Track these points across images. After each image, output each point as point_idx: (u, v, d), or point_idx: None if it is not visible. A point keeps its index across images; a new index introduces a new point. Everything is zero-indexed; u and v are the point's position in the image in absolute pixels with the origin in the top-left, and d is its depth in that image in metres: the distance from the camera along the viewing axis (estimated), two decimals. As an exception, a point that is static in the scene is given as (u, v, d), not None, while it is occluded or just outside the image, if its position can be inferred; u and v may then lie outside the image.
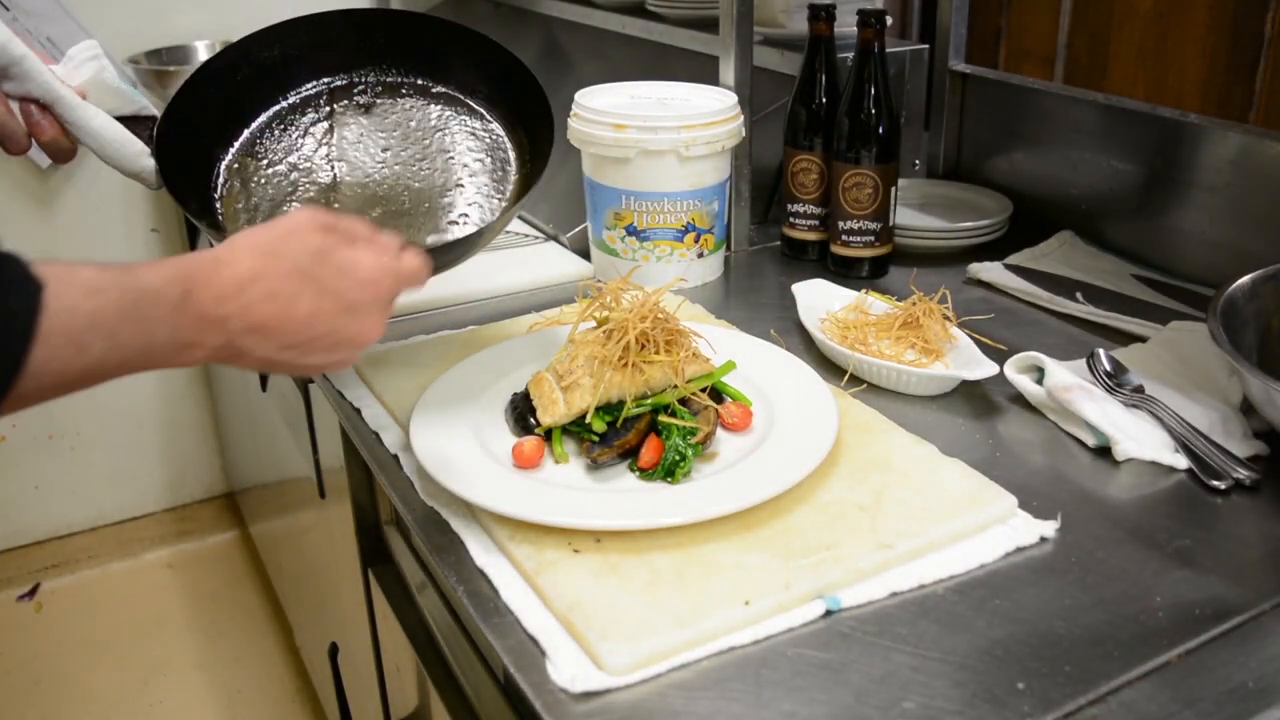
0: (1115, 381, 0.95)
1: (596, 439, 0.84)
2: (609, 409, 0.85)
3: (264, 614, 2.20)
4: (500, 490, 0.79)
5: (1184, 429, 0.88)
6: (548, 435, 0.87)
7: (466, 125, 1.10)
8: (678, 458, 0.82)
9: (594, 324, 0.91)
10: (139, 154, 0.95)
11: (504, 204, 1.06)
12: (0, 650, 2.12)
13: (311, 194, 1.04)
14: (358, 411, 0.98)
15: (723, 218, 1.26)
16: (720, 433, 0.88)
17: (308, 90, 1.09)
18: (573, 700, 0.64)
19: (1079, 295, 1.16)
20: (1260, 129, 1.18)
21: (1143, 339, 1.07)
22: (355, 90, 1.10)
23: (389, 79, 1.11)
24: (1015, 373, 0.96)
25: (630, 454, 0.85)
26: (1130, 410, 0.91)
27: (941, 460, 0.85)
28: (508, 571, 0.75)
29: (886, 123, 1.20)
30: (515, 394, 0.92)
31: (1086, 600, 0.72)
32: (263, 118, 1.07)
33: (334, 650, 1.48)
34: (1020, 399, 0.97)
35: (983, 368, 0.96)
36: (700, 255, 1.24)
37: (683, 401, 0.87)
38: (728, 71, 1.29)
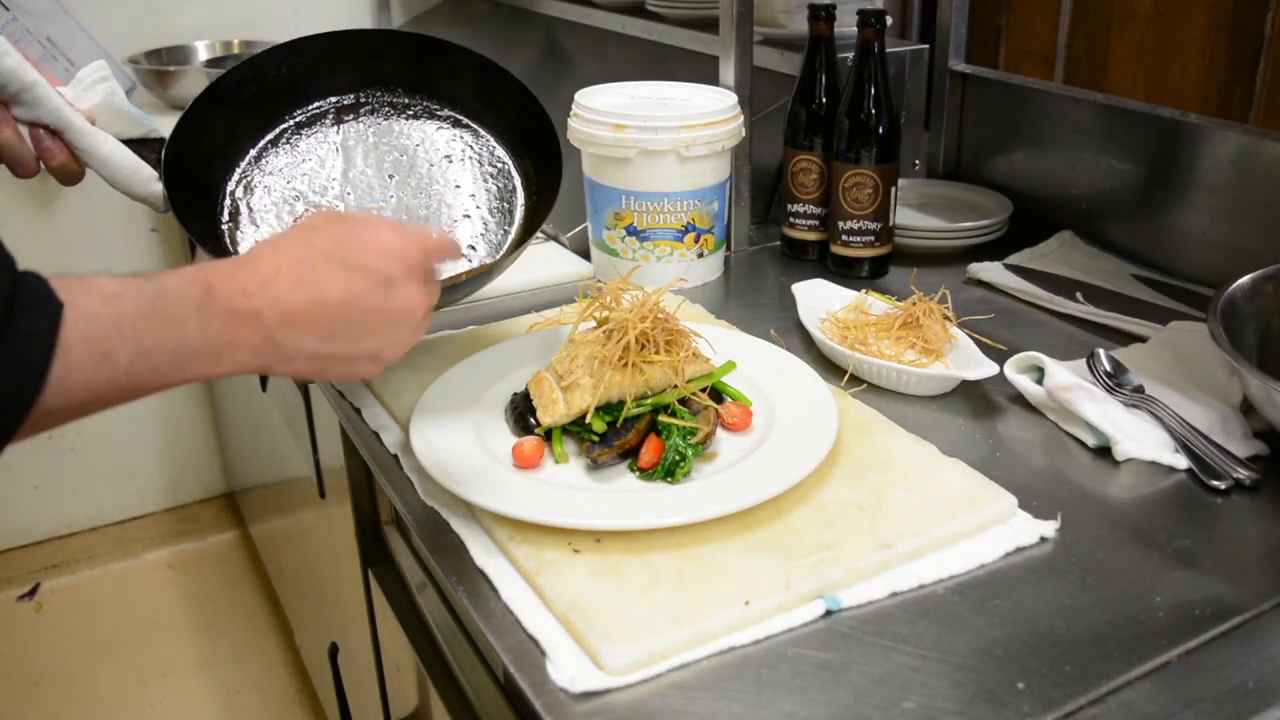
0: (1115, 381, 0.95)
1: (596, 439, 0.84)
2: (609, 409, 0.85)
3: (264, 614, 2.20)
4: (500, 490, 0.79)
5: (1184, 429, 0.88)
6: (548, 435, 0.87)
7: (473, 151, 1.10)
8: (678, 458, 0.82)
9: (594, 324, 0.91)
10: (148, 179, 0.95)
11: (510, 236, 1.06)
12: (0, 650, 2.12)
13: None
14: (358, 411, 0.98)
15: (723, 218, 1.26)
16: (720, 433, 0.88)
17: (314, 110, 1.09)
18: (573, 700, 0.64)
19: (1079, 295, 1.16)
20: (1260, 129, 1.18)
21: (1143, 339, 1.07)
22: (362, 111, 1.10)
23: (396, 100, 1.11)
24: (1015, 373, 0.96)
25: (630, 454, 0.85)
26: (1130, 410, 0.91)
27: (941, 460, 0.85)
28: (508, 571, 0.75)
29: (886, 123, 1.20)
30: (515, 394, 0.92)
31: (1086, 600, 0.72)
32: (268, 137, 1.07)
33: (334, 650, 1.48)
34: (1020, 399, 0.97)
35: (983, 368, 0.96)
36: (700, 255, 1.24)
37: (683, 401, 0.87)
38: (728, 71, 1.29)
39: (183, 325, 0.59)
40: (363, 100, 1.10)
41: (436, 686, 0.96)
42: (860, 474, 0.83)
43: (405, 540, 1.06)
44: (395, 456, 0.90)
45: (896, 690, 0.64)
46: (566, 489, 0.81)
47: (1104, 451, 0.89)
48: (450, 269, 0.78)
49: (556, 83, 1.78)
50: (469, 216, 1.08)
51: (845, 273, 1.26)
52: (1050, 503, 0.82)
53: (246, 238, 1.03)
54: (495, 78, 1.09)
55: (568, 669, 0.66)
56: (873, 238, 1.24)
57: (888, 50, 1.30)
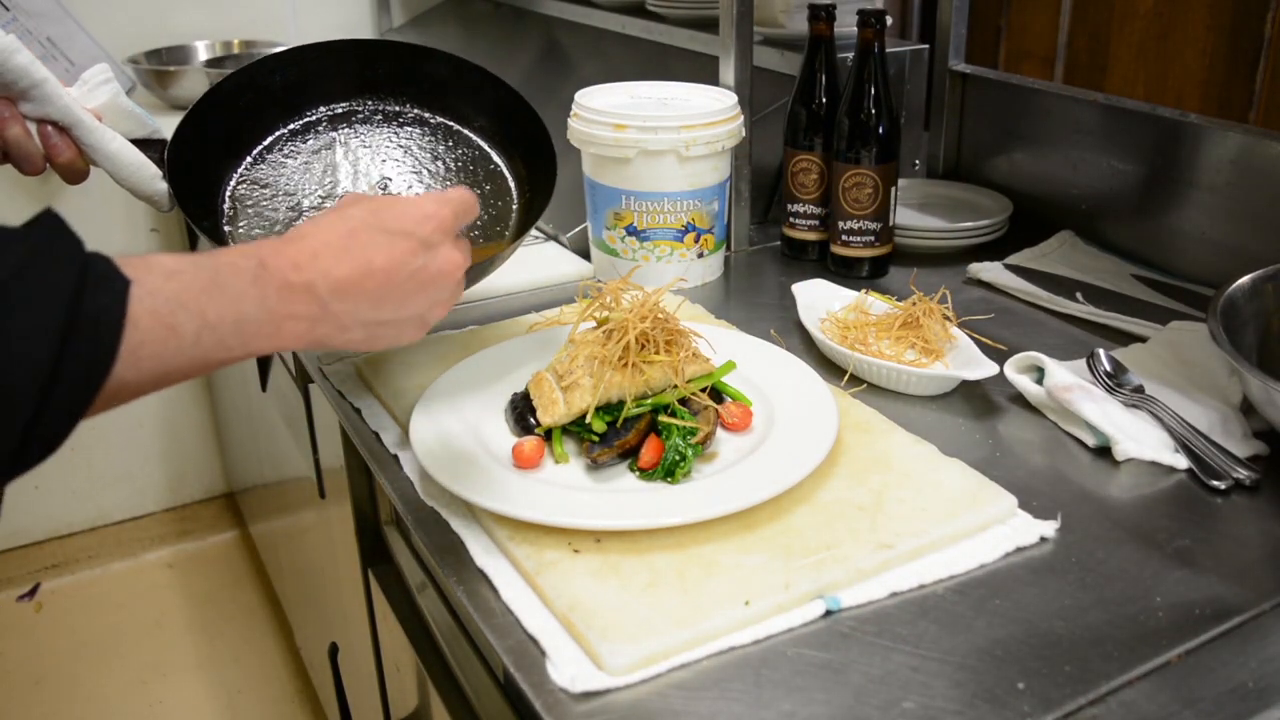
0: (1115, 381, 0.95)
1: (596, 439, 0.84)
2: (609, 409, 0.85)
3: (264, 614, 2.20)
4: (500, 490, 0.79)
5: (1184, 429, 0.88)
6: (548, 435, 0.87)
7: (465, 156, 1.13)
8: (678, 458, 0.82)
9: (594, 324, 0.91)
10: (153, 177, 0.97)
11: (505, 236, 1.08)
12: (0, 650, 2.12)
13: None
14: (358, 411, 0.98)
15: (723, 218, 1.26)
16: (720, 433, 0.88)
17: (309, 117, 1.11)
18: (573, 700, 0.64)
19: (1079, 295, 1.16)
20: (1260, 129, 1.18)
21: (1143, 339, 1.07)
22: (355, 118, 1.12)
23: (389, 108, 1.13)
24: (1015, 373, 0.96)
25: (630, 454, 0.85)
26: (1130, 410, 0.91)
27: (941, 460, 0.85)
28: (508, 571, 0.75)
29: (886, 123, 1.20)
30: (515, 394, 0.92)
31: (1086, 600, 0.72)
32: (265, 142, 1.09)
33: (334, 650, 1.48)
34: (1020, 399, 0.97)
35: (983, 368, 0.96)
36: (700, 255, 1.24)
37: (683, 401, 0.87)
38: (728, 71, 1.29)
39: (242, 298, 0.61)
40: (356, 109, 1.13)
41: (436, 686, 0.96)
42: (860, 474, 0.83)
43: (405, 540, 1.06)
44: (395, 456, 0.90)
45: (896, 690, 0.64)
46: (566, 489, 0.81)
47: (1104, 451, 0.89)
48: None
49: (556, 83, 1.78)
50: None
51: (845, 273, 1.26)
52: (1050, 503, 0.82)
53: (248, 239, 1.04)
54: (483, 81, 1.11)
55: (568, 669, 0.66)
56: (873, 238, 1.24)
57: (888, 50, 1.30)
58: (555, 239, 1.38)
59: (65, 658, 2.10)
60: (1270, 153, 1.12)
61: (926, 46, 1.50)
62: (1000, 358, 0.97)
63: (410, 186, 1.11)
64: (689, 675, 0.66)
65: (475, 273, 0.97)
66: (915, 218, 1.36)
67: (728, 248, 1.34)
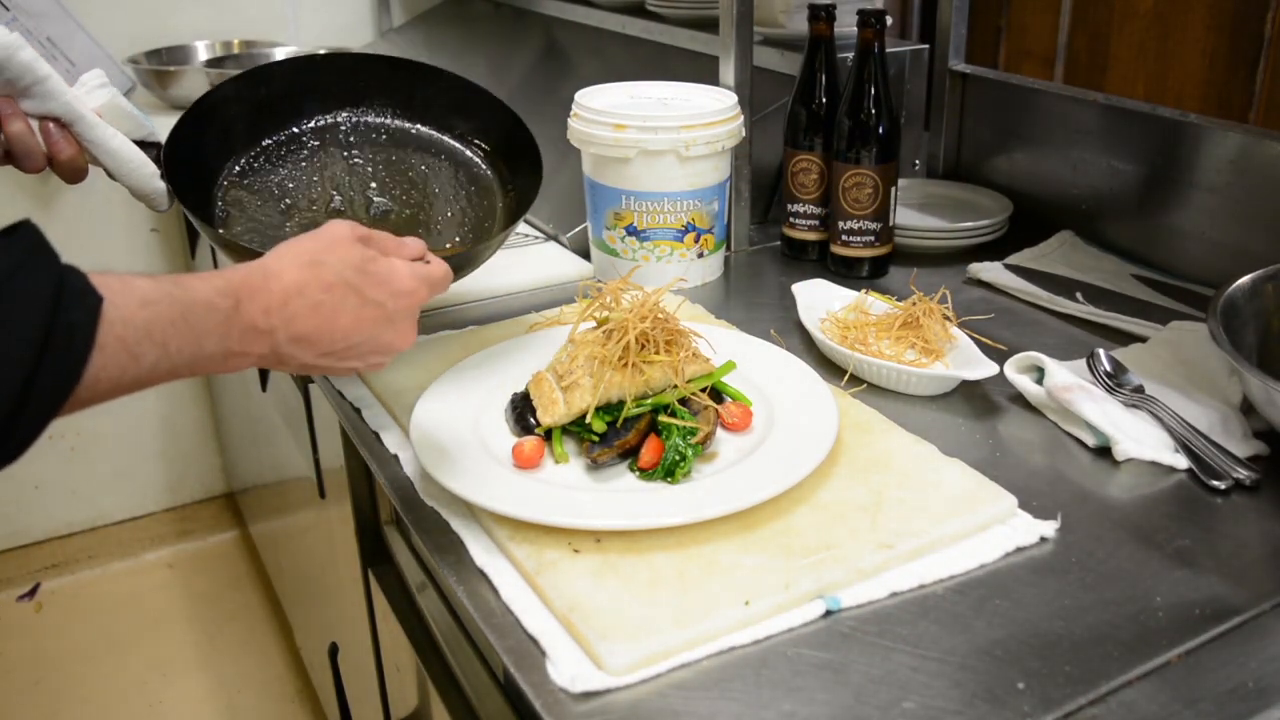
0: (1115, 381, 0.95)
1: (596, 439, 0.84)
2: (609, 409, 0.85)
3: (264, 614, 2.20)
4: (500, 490, 0.79)
5: (1184, 429, 0.88)
6: (548, 435, 0.87)
7: (448, 160, 1.17)
8: (678, 458, 0.82)
9: (594, 324, 0.91)
10: (152, 175, 0.98)
11: (494, 229, 1.12)
12: (0, 650, 2.12)
13: (306, 227, 1.08)
14: (358, 411, 0.98)
15: (723, 218, 1.26)
16: (720, 433, 0.88)
17: (300, 127, 1.14)
18: (573, 700, 0.64)
19: (1079, 295, 1.16)
20: (1260, 129, 1.18)
21: (1143, 339, 1.07)
22: (340, 129, 1.16)
23: (374, 119, 1.18)
24: (1015, 373, 0.96)
25: (630, 454, 0.85)
26: (1130, 410, 0.91)
27: (941, 460, 0.85)
28: (508, 571, 0.75)
29: (886, 123, 1.20)
30: (515, 394, 0.92)
31: (1086, 600, 0.72)
32: (254, 150, 1.12)
33: (334, 650, 1.48)
34: (1020, 399, 0.97)
35: (983, 368, 0.96)
36: (700, 255, 1.24)
37: (683, 401, 0.87)
38: (728, 71, 1.29)
39: (206, 335, 0.64)
40: (340, 120, 1.16)
41: (436, 686, 0.96)
42: (860, 474, 0.83)
43: (405, 540, 1.06)
44: (395, 456, 0.90)
45: (896, 690, 0.64)
46: (566, 489, 0.81)
47: (1104, 451, 0.89)
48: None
49: (556, 83, 1.78)
50: (450, 216, 1.13)
51: (845, 273, 1.26)
52: (1050, 503, 0.82)
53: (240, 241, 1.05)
54: (467, 91, 1.16)
55: (568, 669, 0.66)
56: (873, 238, 1.24)
57: (888, 50, 1.30)
58: (555, 239, 1.38)
59: (65, 658, 2.10)
60: (1270, 153, 1.12)
61: (926, 46, 1.50)
62: (1000, 358, 0.97)
63: (400, 192, 1.14)
64: (689, 675, 0.66)
65: (462, 260, 1.00)
66: (915, 218, 1.36)
67: (728, 248, 1.34)
